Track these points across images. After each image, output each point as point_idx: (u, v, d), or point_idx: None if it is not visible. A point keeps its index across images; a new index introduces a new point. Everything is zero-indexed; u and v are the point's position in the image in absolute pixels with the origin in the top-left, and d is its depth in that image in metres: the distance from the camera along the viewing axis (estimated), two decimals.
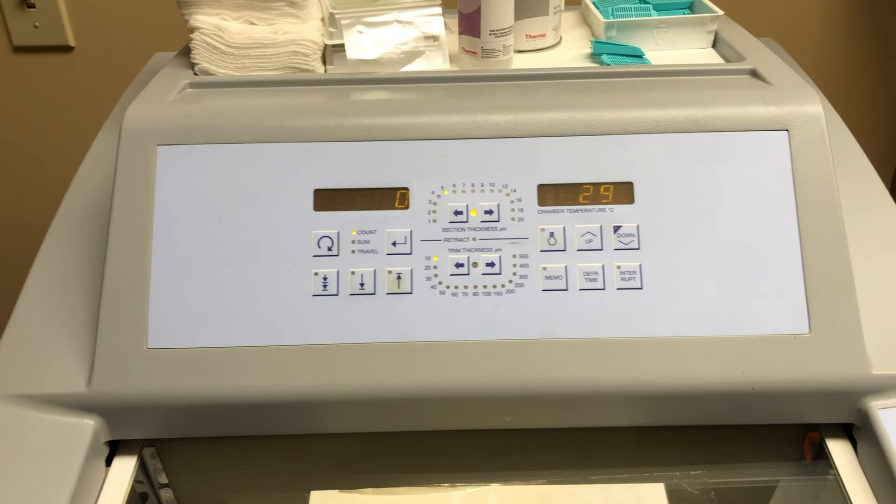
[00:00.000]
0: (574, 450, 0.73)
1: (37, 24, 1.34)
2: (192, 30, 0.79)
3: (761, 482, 0.74)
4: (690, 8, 0.92)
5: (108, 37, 1.36)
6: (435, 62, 0.83)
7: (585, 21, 0.98)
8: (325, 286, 0.67)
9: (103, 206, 0.75)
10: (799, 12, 1.33)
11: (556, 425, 0.69)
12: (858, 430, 0.67)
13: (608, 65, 0.84)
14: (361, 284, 0.67)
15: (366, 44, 0.81)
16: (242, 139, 0.70)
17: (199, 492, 0.77)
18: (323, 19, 0.84)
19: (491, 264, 0.68)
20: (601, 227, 0.68)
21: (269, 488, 0.74)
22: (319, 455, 0.75)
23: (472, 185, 0.69)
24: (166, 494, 0.75)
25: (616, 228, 0.68)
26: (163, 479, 0.74)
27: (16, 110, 1.43)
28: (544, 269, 0.67)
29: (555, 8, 0.89)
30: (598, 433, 0.70)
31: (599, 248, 0.68)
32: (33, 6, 1.32)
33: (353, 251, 0.68)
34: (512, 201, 0.69)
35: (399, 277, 0.67)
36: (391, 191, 0.69)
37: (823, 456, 0.69)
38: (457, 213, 0.69)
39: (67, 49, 1.38)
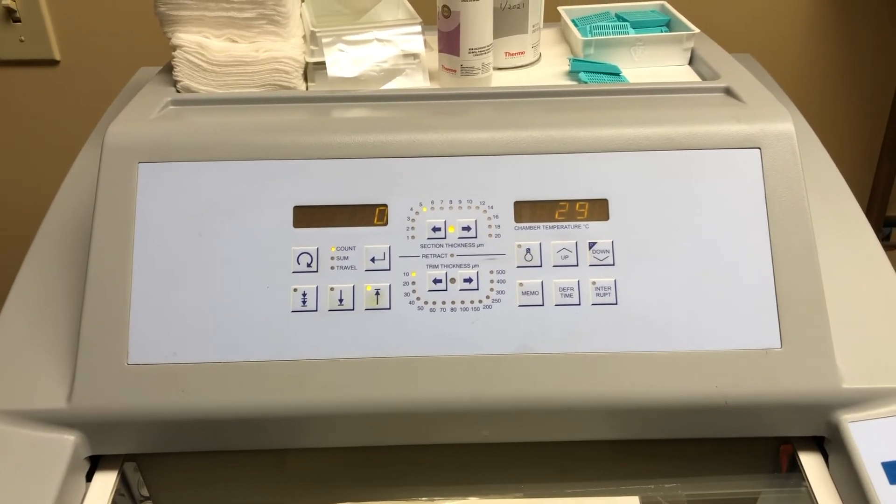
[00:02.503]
0: (551, 463, 0.73)
1: (22, 38, 1.34)
2: (174, 47, 0.80)
3: (735, 494, 0.75)
4: (668, 26, 0.94)
5: (93, 51, 1.36)
6: (415, 80, 0.84)
7: (564, 38, 1.00)
8: (304, 302, 0.68)
9: (86, 223, 0.75)
10: (778, 28, 1.35)
11: (533, 439, 0.70)
12: (829, 443, 0.68)
13: (585, 82, 0.85)
14: (340, 300, 0.68)
15: (346, 62, 0.82)
16: (223, 156, 0.71)
17: None
18: (304, 37, 0.85)
19: (468, 280, 0.68)
20: (576, 243, 0.69)
21: (249, 503, 0.75)
22: (299, 470, 0.75)
23: (450, 201, 0.70)
24: None
25: (591, 245, 0.69)
26: (144, 493, 0.75)
27: (0, 124, 1.44)
28: (521, 284, 0.68)
29: (534, 26, 0.90)
30: (575, 447, 0.71)
31: (575, 264, 0.69)
32: (19, 20, 1.33)
33: (332, 267, 0.69)
34: (489, 218, 0.70)
35: (378, 293, 0.68)
36: (370, 207, 0.70)
37: (797, 468, 0.70)
38: (435, 229, 0.70)
39: (53, 63, 1.38)
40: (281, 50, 0.81)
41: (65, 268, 0.75)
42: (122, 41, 1.35)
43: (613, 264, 0.69)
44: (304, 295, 0.68)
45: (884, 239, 1.52)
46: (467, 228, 0.70)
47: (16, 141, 1.45)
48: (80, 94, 1.40)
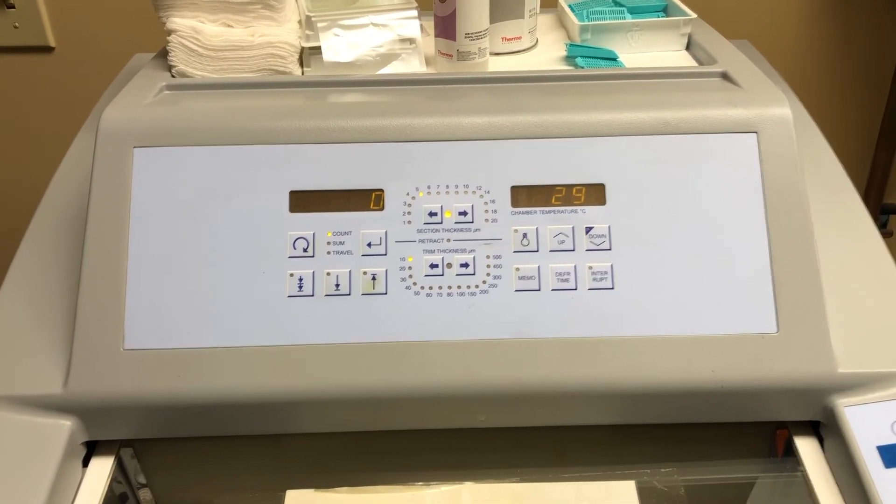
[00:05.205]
0: (547, 448, 0.73)
1: (16, 24, 1.34)
2: (168, 32, 0.80)
3: (731, 479, 0.75)
4: (665, 11, 0.93)
5: (88, 38, 1.36)
6: (411, 65, 0.84)
7: (561, 24, 0.99)
8: (300, 287, 0.68)
9: (81, 208, 0.75)
10: (775, 15, 1.35)
11: (529, 424, 0.70)
12: (825, 428, 0.68)
13: (582, 67, 0.85)
14: (337, 285, 0.68)
15: (342, 46, 0.81)
16: (218, 141, 0.70)
17: (177, 492, 0.78)
18: (300, 22, 0.84)
19: (465, 265, 0.68)
20: (573, 228, 0.69)
21: (246, 487, 0.75)
22: (295, 454, 0.75)
23: (447, 186, 0.70)
24: (145, 495, 0.75)
25: (588, 229, 0.69)
26: (141, 479, 0.75)
27: None
28: (517, 269, 0.68)
29: (530, 11, 0.90)
30: (571, 432, 0.71)
31: (571, 248, 0.69)
32: (13, 6, 1.32)
33: (329, 252, 0.69)
34: (486, 203, 0.70)
35: (374, 278, 0.68)
36: (366, 192, 0.70)
37: (792, 452, 0.70)
38: (431, 214, 0.69)
39: (48, 50, 1.37)
40: (276, 35, 0.80)
41: (60, 253, 0.74)
42: (117, 27, 1.34)
43: (610, 249, 0.68)
44: (301, 280, 0.68)
45: (881, 226, 1.52)
46: (464, 213, 0.69)
47: (10, 128, 1.45)
48: (75, 81, 1.40)
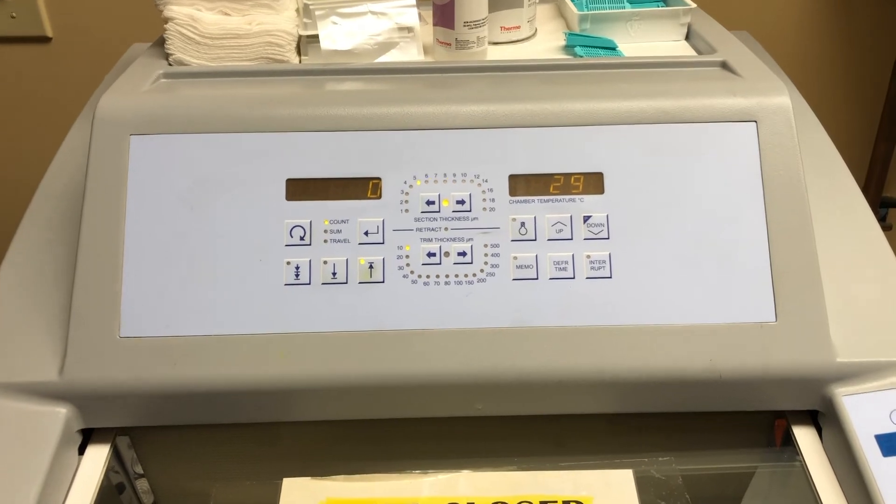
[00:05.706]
0: (545, 437, 0.73)
1: (13, 14, 1.33)
2: (166, 20, 0.79)
3: (729, 468, 0.75)
4: (664, 1, 0.93)
5: (85, 28, 1.35)
6: (409, 53, 0.83)
7: (560, 13, 0.99)
8: (297, 275, 0.67)
9: (77, 196, 0.75)
10: (776, 6, 1.35)
11: (527, 413, 0.69)
12: (823, 417, 0.68)
13: (581, 57, 0.84)
14: (334, 273, 0.68)
15: (340, 35, 0.81)
16: (215, 129, 0.70)
17: (174, 480, 0.77)
18: (297, 10, 0.84)
19: (462, 254, 0.68)
20: (571, 216, 0.69)
21: (243, 475, 0.74)
22: (292, 442, 0.75)
23: (445, 175, 0.70)
24: (142, 485, 0.75)
25: (586, 218, 0.69)
26: (138, 469, 0.75)
27: None
28: (515, 258, 0.68)
29: (529, 0, 0.89)
30: (569, 420, 0.71)
31: (569, 237, 0.68)
32: None
33: (326, 241, 0.68)
34: (483, 191, 0.69)
35: (371, 267, 0.68)
36: (364, 181, 0.69)
37: (791, 442, 0.70)
38: (429, 202, 0.69)
39: (45, 40, 1.37)
40: (274, 23, 0.80)
41: (56, 241, 0.74)
42: (114, 17, 1.34)
43: (608, 238, 0.68)
44: (297, 268, 0.68)
45: (880, 220, 1.51)
46: (461, 202, 0.69)
47: (7, 118, 1.44)
48: (72, 72, 1.39)
